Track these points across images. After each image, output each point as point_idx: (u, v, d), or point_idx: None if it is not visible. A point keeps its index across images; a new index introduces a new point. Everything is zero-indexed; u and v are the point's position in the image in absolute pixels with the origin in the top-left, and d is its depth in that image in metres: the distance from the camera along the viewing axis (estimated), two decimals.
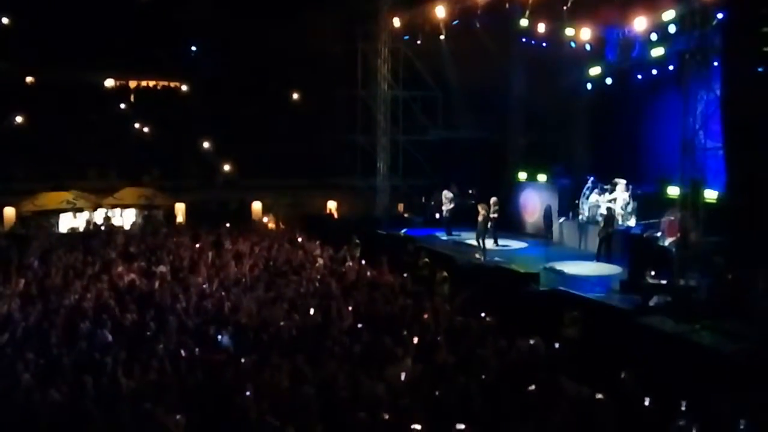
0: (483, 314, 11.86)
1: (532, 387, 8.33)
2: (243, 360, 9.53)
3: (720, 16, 12.72)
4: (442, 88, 24.80)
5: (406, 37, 22.42)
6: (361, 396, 8.14)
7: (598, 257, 15.93)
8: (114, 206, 25.86)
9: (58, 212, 24.75)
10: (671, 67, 16.94)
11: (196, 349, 10.04)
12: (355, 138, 25.55)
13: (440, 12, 19.55)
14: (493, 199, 17.80)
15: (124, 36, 28.41)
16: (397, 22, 21.87)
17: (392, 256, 16.87)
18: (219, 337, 10.72)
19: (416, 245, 18.23)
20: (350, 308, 12.26)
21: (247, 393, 8.20)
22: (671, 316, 11.12)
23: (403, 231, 20.94)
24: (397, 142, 24.68)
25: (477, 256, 16.87)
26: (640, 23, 16.38)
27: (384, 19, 22.78)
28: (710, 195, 13.34)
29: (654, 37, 17.13)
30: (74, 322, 11.48)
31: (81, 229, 23.38)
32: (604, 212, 16.42)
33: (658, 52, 17.42)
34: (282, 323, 11.33)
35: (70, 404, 8.13)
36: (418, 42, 21.75)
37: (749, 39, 11.60)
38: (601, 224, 16.16)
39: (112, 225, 24.15)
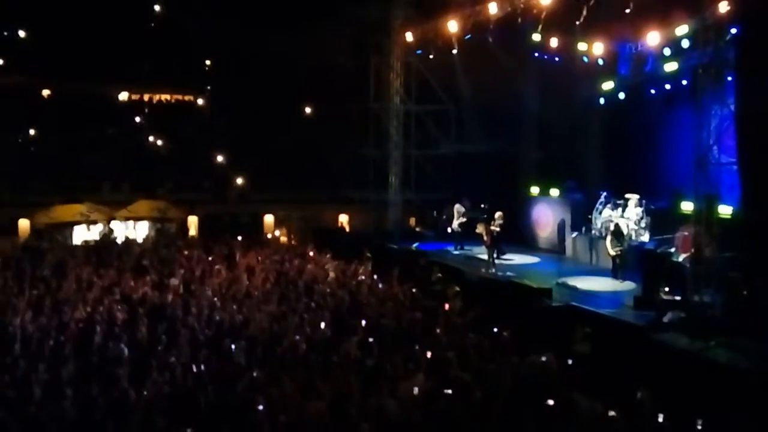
0: (495, 329, 11.79)
1: (549, 402, 8.26)
2: (255, 374, 9.51)
3: (734, 30, 12.68)
4: (455, 102, 24.80)
5: (419, 51, 22.48)
6: (371, 411, 8.09)
7: (615, 275, 15.67)
8: (127, 219, 26.02)
9: (72, 225, 24.93)
10: (684, 82, 16.89)
11: (208, 363, 10.04)
12: (367, 151, 25.59)
13: (453, 26, 19.60)
14: (498, 213, 17.72)
15: (138, 50, 28.76)
16: (409, 36, 21.95)
17: (404, 270, 16.82)
18: (231, 349, 10.71)
19: (428, 259, 18.20)
20: (362, 322, 12.23)
21: (260, 407, 8.18)
22: (686, 333, 11.02)
23: (414, 245, 20.91)
24: (409, 156, 24.68)
25: (490, 270, 16.81)
26: (653, 38, 16.33)
27: (397, 33, 22.89)
28: (725, 210, 13.25)
29: (667, 51, 17.08)
30: (86, 334, 11.52)
31: (94, 242, 23.49)
32: (612, 228, 16.18)
33: (671, 66, 17.37)
34: (294, 337, 11.30)
35: (82, 417, 8.14)
36: (431, 56, 21.78)
37: (764, 53, 11.53)
38: (611, 241, 15.88)
39: (126, 238, 24.27)
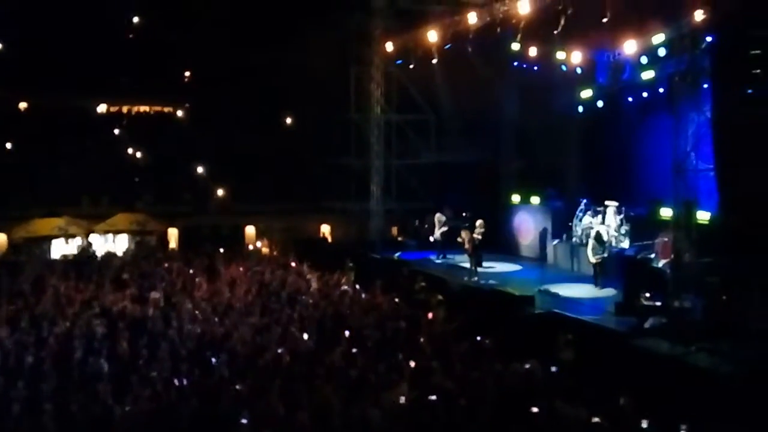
0: (479, 337, 11.80)
1: (534, 410, 8.27)
2: (238, 386, 9.43)
3: (709, 39, 12.86)
4: (435, 111, 24.91)
5: (399, 61, 22.55)
6: (355, 422, 8.05)
7: (596, 282, 15.70)
8: (106, 232, 25.75)
9: (50, 239, 24.63)
10: (662, 90, 17.07)
11: (190, 376, 9.94)
12: (348, 161, 25.60)
13: (432, 36, 19.68)
14: (478, 222, 17.72)
15: (117, 62, 28.50)
16: (390, 46, 22.02)
17: (386, 279, 16.82)
18: (213, 362, 10.62)
19: (411, 269, 18.20)
20: (345, 333, 12.19)
21: (243, 420, 8.11)
22: (667, 338, 11.10)
23: (397, 254, 20.91)
24: (390, 166, 24.71)
25: (472, 278, 16.84)
26: (630, 46, 16.52)
27: (377, 43, 22.95)
28: (703, 216, 13.39)
29: (644, 60, 17.28)
30: (66, 349, 11.36)
31: (73, 256, 23.22)
32: (593, 236, 16.25)
33: (648, 74, 17.58)
34: (276, 349, 11.23)
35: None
36: (411, 66, 21.86)
37: (738, 61, 11.73)
38: (593, 248, 15.95)
39: (105, 251, 24.02)
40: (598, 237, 15.92)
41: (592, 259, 15.75)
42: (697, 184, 12.43)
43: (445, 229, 20.17)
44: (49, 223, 24.46)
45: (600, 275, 15.54)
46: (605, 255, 15.60)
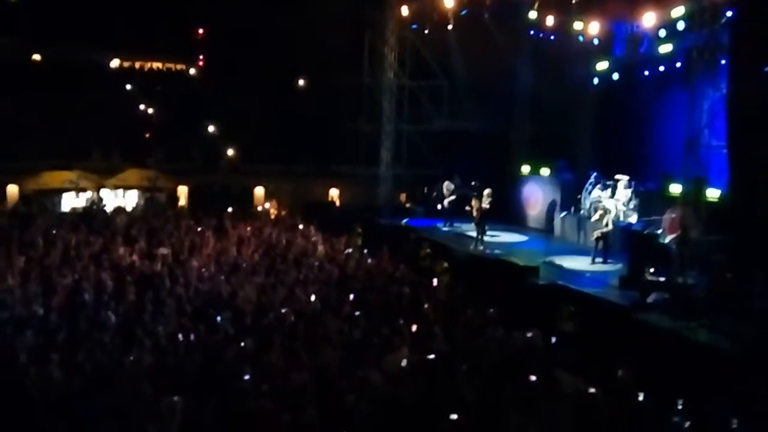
0: (482, 305, 11.88)
1: (532, 378, 8.36)
2: (242, 343, 9.57)
3: (729, 14, 12.66)
4: (449, 78, 24.69)
5: (414, 26, 22.33)
6: (356, 383, 8.18)
7: (594, 255, 15.60)
8: (117, 187, 25.92)
9: (60, 192, 24.82)
10: (678, 64, 16.83)
11: (195, 332, 10.08)
12: (359, 126, 25.49)
13: (449, 2, 19.48)
14: (487, 191, 17.61)
15: (131, 16, 28.34)
16: (405, 10, 21.79)
17: (393, 245, 16.88)
18: (218, 319, 10.76)
19: (417, 235, 18.25)
20: (349, 296, 12.29)
21: (246, 377, 8.25)
22: (669, 314, 11.13)
23: (404, 221, 20.95)
24: (401, 132, 24.61)
25: (478, 247, 16.88)
26: (648, 19, 16.30)
27: (392, 7, 22.69)
28: (713, 194, 13.34)
29: (662, 33, 17.03)
30: (74, 301, 11.54)
31: (83, 209, 23.41)
32: (599, 209, 16.20)
33: (666, 48, 17.31)
34: (281, 309, 11.36)
35: (68, 383, 8.18)
36: (426, 31, 21.65)
37: (758, 38, 11.53)
38: (595, 222, 15.86)
39: (116, 206, 24.18)
40: (602, 212, 15.87)
41: (595, 233, 15.70)
42: (708, 161, 12.41)
43: (453, 197, 20.15)
44: (59, 176, 24.63)
45: (599, 250, 15.48)
46: (605, 230, 15.51)
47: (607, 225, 15.51)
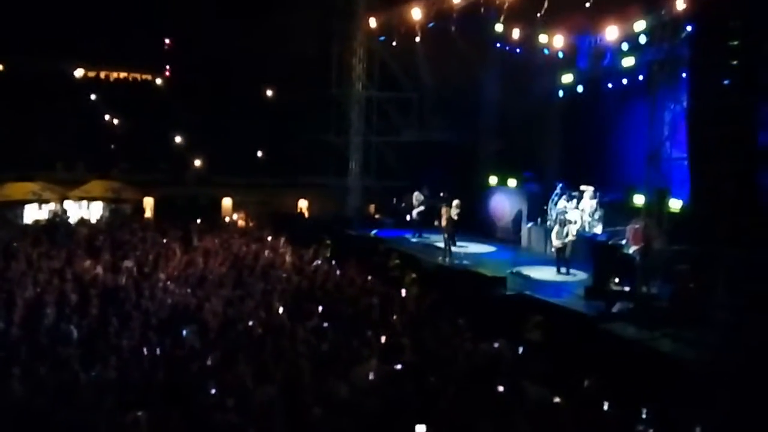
0: (450, 316, 11.92)
1: (499, 388, 8.40)
2: (207, 357, 9.45)
3: (689, 28, 12.96)
4: (417, 89, 24.87)
5: (382, 38, 22.44)
6: (324, 396, 8.13)
7: (558, 266, 15.76)
8: (81, 199, 25.50)
9: (23, 203, 24.32)
10: (641, 77, 17.19)
11: (160, 346, 9.94)
12: (328, 137, 25.50)
13: (416, 14, 19.62)
14: (455, 202, 17.77)
15: (97, 26, 28.01)
16: (373, 22, 21.90)
17: (362, 256, 16.87)
18: (183, 333, 10.62)
19: (386, 246, 18.27)
20: (318, 308, 12.23)
21: (211, 391, 8.15)
22: (633, 323, 11.29)
23: (373, 232, 20.96)
24: (370, 143, 24.69)
25: (447, 258, 16.95)
26: (611, 32, 16.61)
27: (360, 18, 22.81)
28: (675, 204, 13.60)
29: (625, 46, 17.38)
30: (36, 315, 11.30)
31: (46, 221, 22.98)
32: (560, 219, 16.39)
33: (628, 61, 17.68)
34: (248, 321, 11.26)
35: (29, 397, 8.00)
36: (394, 43, 21.77)
37: (717, 52, 11.81)
38: (557, 232, 15.96)
39: (80, 218, 23.79)
40: (563, 222, 16.07)
41: (555, 243, 15.87)
42: (670, 173, 12.66)
43: (422, 208, 20.24)
44: (22, 188, 24.14)
45: (562, 260, 15.65)
46: (565, 240, 15.69)
47: (567, 235, 15.69)
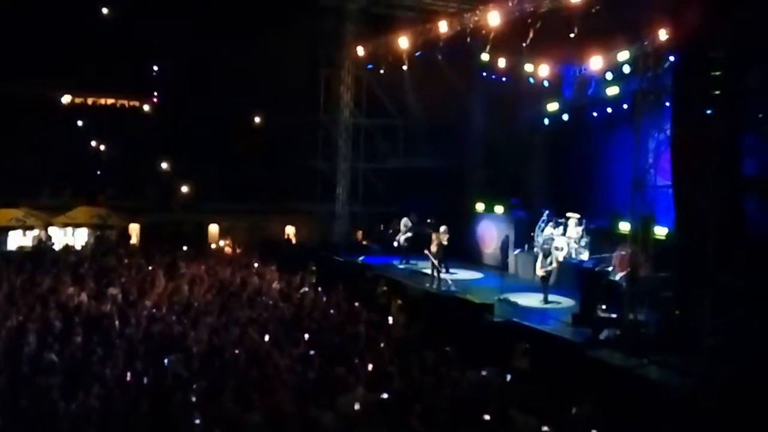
0: (437, 344, 11.87)
1: (486, 417, 8.35)
2: (192, 386, 9.34)
3: (672, 58, 13.17)
4: (404, 117, 25.05)
5: (370, 66, 22.62)
6: (309, 425, 8.05)
7: (544, 294, 15.69)
8: (66, 225, 25.28)
9: (7, 230, 24.09)
10: (625, 106, 17.39)
11: (144, 375, 9.82)
12: (315, 163, 25.57)
13: (403, 43, 19.80)
14: (442, 228, 17.78)
15: (84, 52, 28.04)
16: (361, 50, 22.08)
17: (349, 282, 16.82)
18: (167, 362, 10.50)
19: (374, 273, 18.23)
20: (304, 335, 12.16)
21: (196, 421, 8.05)
22: (620, 350, 11.30)
23: (360, 258, 20.92)
24: (357, 169, 24.78)
25: (434, 285, 16.91)
26: (596, 62, 16.82)
27: (348, 46, 22.99)
28: (660, 231, 13.69)
29: (609, 76, 17.61)
30: (18, 343, 11.14)
31: (30, 248, 22.77)
32: (545, 247, 16.44)
33: (612, 90, 17.92)
34: (233, 349, 11.16)
35: (8, 429, 7.86)
36: (381, 71, 21.96)
37: (699, 82, 11.99)
38: (540, 260, 15.93)
39: (64, 245, 23.58)
40: (546, 250, 16.11)
41: (539, 271, 15.88)
42: (655, 200, 12.73)
43: (409, 234, 20.24)
44: (6, 214, 23.91)
45: (547, 287, 15.64)
46: (549, 268, 15.72)
47: (551, 264, 15.73)
